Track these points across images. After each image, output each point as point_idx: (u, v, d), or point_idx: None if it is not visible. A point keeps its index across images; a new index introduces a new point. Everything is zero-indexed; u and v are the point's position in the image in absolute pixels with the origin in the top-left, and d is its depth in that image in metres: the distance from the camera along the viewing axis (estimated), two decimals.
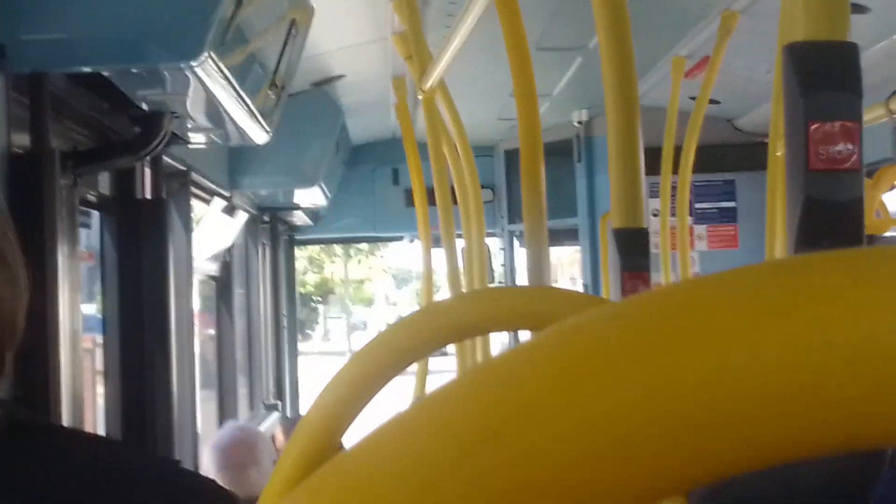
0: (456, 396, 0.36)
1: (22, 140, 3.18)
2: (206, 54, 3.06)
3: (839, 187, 1.35)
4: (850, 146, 1.35)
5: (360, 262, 44.61)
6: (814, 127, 1.34)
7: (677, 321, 0.35)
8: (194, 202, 5.56)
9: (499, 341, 9.43)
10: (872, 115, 5.08)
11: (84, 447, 1.26)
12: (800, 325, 0.33)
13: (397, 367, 1.41)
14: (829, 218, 1.35)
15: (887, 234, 5.62)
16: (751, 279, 0.36)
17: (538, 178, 3.20)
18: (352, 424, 1.44)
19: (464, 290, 5.67)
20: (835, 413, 0.33)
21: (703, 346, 0.34)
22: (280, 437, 6.23)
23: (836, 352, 0.33)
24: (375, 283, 49.21)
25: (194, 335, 5.12)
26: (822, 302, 0.33)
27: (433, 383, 7.01)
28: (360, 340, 29.29)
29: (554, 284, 13.39)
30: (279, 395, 9.02)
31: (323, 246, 31.14)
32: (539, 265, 3.22)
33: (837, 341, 0.33)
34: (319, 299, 45.85)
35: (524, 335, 5.21)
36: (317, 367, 16.88)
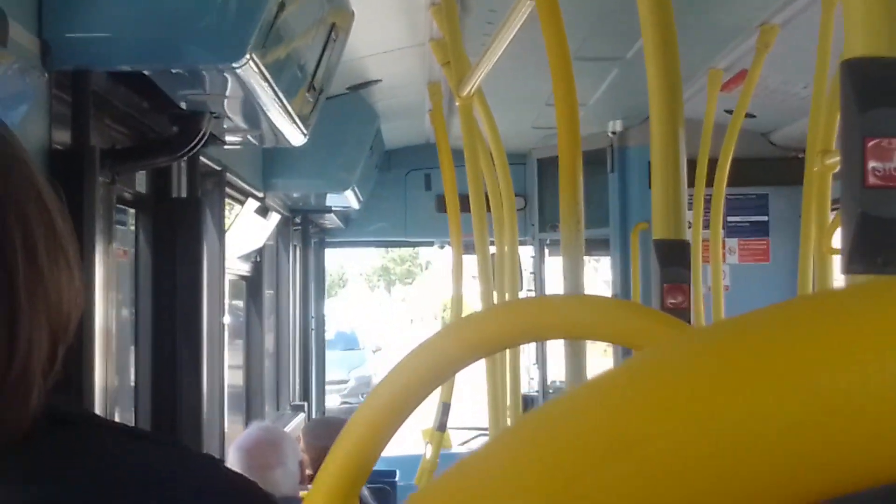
0: (582, 408, 0.36)
1: (63, 136, 3.20)
2: (248, 56, 3.07)
3: (894, 204, 1.35)
4: None
5: None
6: (870, 143, 1.34)
7: (805, 335, 0.35)
8: (228, 201, 5.57)
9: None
10: None
11: (124, 443, 1.26)
12: None
13: (437, 380, 1.41)
14: (884, 234, 1.35)
15: None
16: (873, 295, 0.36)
17: (577, 187, 3.20)
18: (392, 437, 1.44)
19: (495, 296, 5.66)
20: None
21: (833, 360, 0.34)
22: (303, 438, 6.23)
23: None
24: None
25: (225, 335, 5.13)
26: None
27: (459, 390, 7.02)
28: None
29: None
30: (305, 395, 9.04)
31: None
32: (575, 274, 3.22)
33: None
34: None
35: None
36: None
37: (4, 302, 1.09)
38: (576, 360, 3.12)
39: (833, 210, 4.91)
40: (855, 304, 0.36)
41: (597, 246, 8.78)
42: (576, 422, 0.36)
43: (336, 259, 44.10)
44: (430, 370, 1.38)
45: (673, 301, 2.39)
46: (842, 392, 0.34)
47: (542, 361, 9.42)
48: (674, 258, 2.42)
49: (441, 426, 6.73)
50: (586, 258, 10.39)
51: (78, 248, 1.20)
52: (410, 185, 9.66)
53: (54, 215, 1.17)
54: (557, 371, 9.36)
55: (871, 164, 1.33)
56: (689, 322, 2.40)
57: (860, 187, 1.34)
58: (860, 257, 1.37)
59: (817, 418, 0.34)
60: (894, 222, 1.35)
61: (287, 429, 6.71)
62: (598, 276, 8.73)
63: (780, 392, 0.34)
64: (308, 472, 4.85)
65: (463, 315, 6.25)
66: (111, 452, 1.20)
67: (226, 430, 5.09)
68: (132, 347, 4.35)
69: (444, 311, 52.43)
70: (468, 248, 5.98)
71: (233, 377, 6.71)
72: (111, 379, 3.66)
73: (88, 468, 1.17)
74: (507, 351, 5.49)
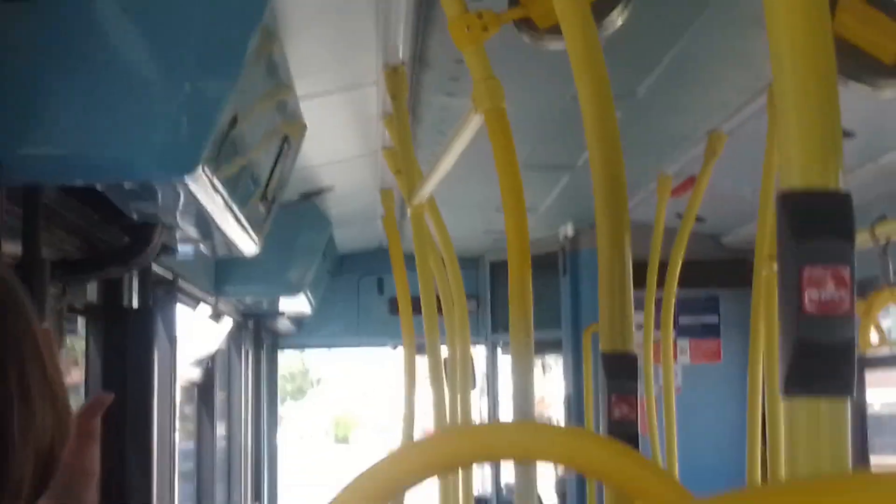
0: None
1: (14, 249, 3.20)
2: (200, 170, 3.08)
3: (831, 331, 1.38)
4: (842, 292, 1.38)
5: None
6: (807, 273, 1.37)
7: None
8: (179, 307, 5.57)
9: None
10: (858, 240, 5.12)
11: None
12: None
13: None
14: (821, 360, 1.38)
15: (883, 353, 5.66)
16: None
17: (526, 295, 3.21)
18: None
19: (447, 395, 5.66)
20: None
21: None
22: None
23: None
24: None
25: (176, 442, 5.10)
26: None
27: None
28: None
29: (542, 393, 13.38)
30: (257, 496, 8.97)
31: None
32: (525, 381, 3.22)
33: None
34: None
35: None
36: None
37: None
38: (526, 471, 3.12)
39: None
40: None
41: (550, 347, 8.81)
42: None
43: None
44: (378, 493, 1.39)
45: (620, 413, 2.41)
46: None
47: (495, 468, 9.39)
48: (621, 370, 2.44)
49: None
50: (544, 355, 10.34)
51: (65, 388, 1.27)
52: (363, 290, 9.69)
53: (46, 357, 1.24)
54: (511, 471, 9.32)
55: (808, 292, 1.36)
56: (638, 434, 2.42)
57: (797, 314, 1.37)
58: (798, 381, 1.40)
59: None
60: (830, 348, 1.38)
61: None
62: (557, 372, 8.76)
63: None
64: None
65: (412, 419, 6.26)
66: None
67: None
68: None
69: (337, 426, 51.73)
70: (421, 350, 5.98)
71: (185, 480, 6.65)
72: None
73: None
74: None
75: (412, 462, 1.42)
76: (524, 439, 1.36)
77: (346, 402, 51.79)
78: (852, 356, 1.39)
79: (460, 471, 5.61)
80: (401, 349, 7.13)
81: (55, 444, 1.25)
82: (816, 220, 1.39)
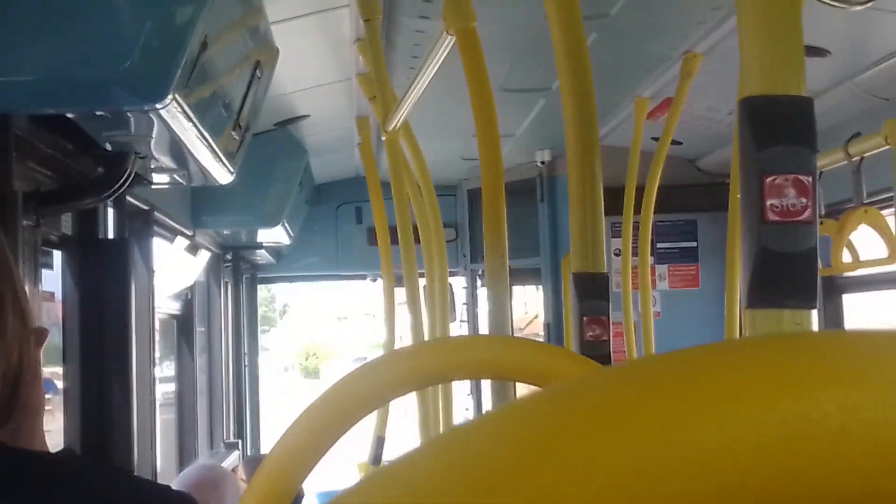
0: (416, 468, 0.38)
1: None
2: (171, 97, 3.06)
3: (793, 239, 1.38)
4: (803, 199, 1.38)
5: None
6: (768, 180, 1.37)
7: (624, 403, 0.37)
8: (157, 241, 5.56)
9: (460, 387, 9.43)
10: (831, 158, 5.14)
11: (63, 469, 1.33)
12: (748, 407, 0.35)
13: (360, 413, 1.42)
14: (783, 269, 1.38)
15: (854, 273, 5.67)
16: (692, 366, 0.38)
17: (500, 218, 3.22)
18: (313, 468, 1.45)
19: (426, 328, 5.67)
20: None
21: (646, 430, 0.35)
22: (242, 476, 6.21)
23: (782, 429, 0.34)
24: None
25: (156, 374, 5.10)
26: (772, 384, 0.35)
27: (395, 419, 7.03)
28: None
29: (524, 317, 13.38)
30: (240, 433, 9.00)
31: None
32: (500, 306, 3.23)
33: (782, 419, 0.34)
34: None
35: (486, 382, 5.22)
36: None
37: None
38: (503, 390, 3.13)
39: None
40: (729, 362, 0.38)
41: (528, 275, 8.81)
42: (438, 465, 0.37)
43: None
44: (351, 403, 1.40)
45: (592, 334, 2.42)
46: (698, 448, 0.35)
47: (476, 392, 9.42)
48: (592, 291, 2.45)
49: (376, 460, 6.72)
50: (529, 286, 10.34)
51: (33, 314, 1.37)
52: (341, 219, 9.67)
53: (16, 279, 1.34)
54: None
55: (769, 200, 1.36)
56: (610, 354, 2.43)
57: (759, 223, 1.37)
58: (761, 292, 1.40)
59: (669, 474, 0.36)
60: (793, 257, 1.38)
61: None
62: (539, 299, 8.75)
63: (635, 447, 0.36)
64: None
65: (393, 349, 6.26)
66: (50, 480, 1.27)
67: (158, 469, 5.06)
68: (60, 389, 4.32)
69: (307, 358, 51.01)
70: (399, 281, 5.99)
71: (166, 415, 6.67)
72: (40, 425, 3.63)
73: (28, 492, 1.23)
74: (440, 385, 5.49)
75: (388, 373, 1.42)
76: (500, 352, 1.36)
77: (316, 333, 51.28)
78: (814, 265, 1.40)
79: (441, 400, 5.64)
80: (380, 281, 7.15)
81: (23, 359, 1.30)
82: (777, 127, 1.39)
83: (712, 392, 0.35)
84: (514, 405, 0.40)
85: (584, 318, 2.43)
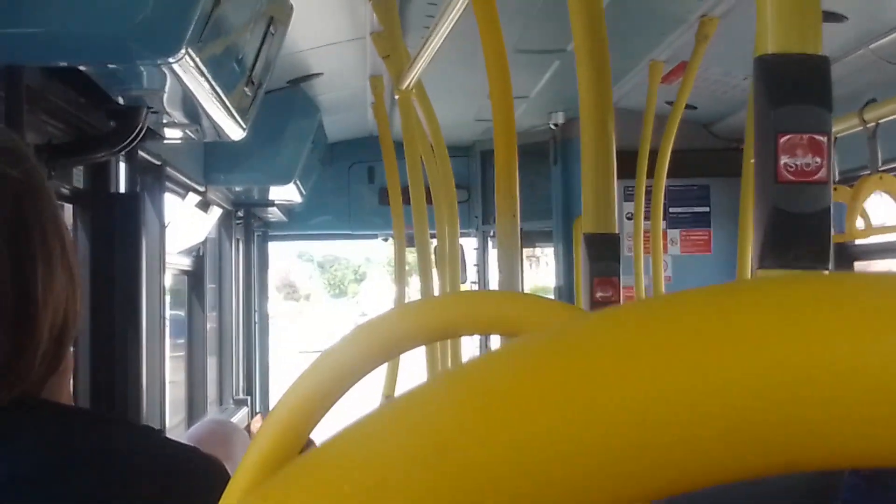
0: (414, 406, 0.37)
1: None
2: (184, 51, 3.06)
3: (806, 199, 1.37)
4: (818, 159, 1.37)
5: None
6: (783, 139, 1.35)
7: (617, 347, 0.36)
8: (168, 196, 5.55)
9: (470, 343, 9.44)
10: (847, 124, 5.11)
11: (69, 420, 1.35)
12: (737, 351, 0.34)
13: (367, 367, 1.41)
14: (796, 229, 1.37)
15: (868, 240, 5.66)
16: (688, 307, 0.37)
17: (512, 180, 3.22)
18: (320, 421, 1.45)
19: (436, 289, 5.68)
20: (777, 435, 0.34)
21: (643, 371, 0.35)
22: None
23: (778, 374, 0.34)
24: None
25: (166, 329, 5.11)
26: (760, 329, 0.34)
27: (403, 380, 7.04)
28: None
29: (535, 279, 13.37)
30: (248, 390, 9.03)
31: None
32: (511, 267, 3.23)
33: (780, 363, 0.34)
34: None
35: (495, 339, 5.22)
36: None
37: (25, 303, 1.28)
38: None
39: None
40: (718, 306, 0.37)
41: (541, 238, 8.81)
42: (404, 422, 0.37)
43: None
44: (358, 356, 1.40)
45: (603, 294, 2.42)
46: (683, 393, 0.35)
47: (484, 349, 9.44)
48: (604, 252, 2.45)
49: None
50: (542, 248, 10.32)
51: (78, 265, 1.42)
52: (354, 179, 9.66)
53: (64, 232, 1.38)
54: None
55: (783, 159, 1.35)
56: None
57: (772, 183, 1.36)
58: (772, 252, 1.39)
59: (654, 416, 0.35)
60: (806, 217, 1.37)
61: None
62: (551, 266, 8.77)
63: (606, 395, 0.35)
64: None
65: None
66: (56, 429, 1.29)
67: (167, 423, 5.08)
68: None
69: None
70: (411, 241, 5.99)
71: (175, 372, 6.69)
72: (68, 380, 3.64)
73: (33, 446, 1.27)
74: (449, 342, 5.50)
75: (395, 327, 1.42)
76: (510, 308, 1.35)
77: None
78: (827, 226, 1.39)
79: (449, 360, 5.65)
80: (392, 241, 7.16)
81: (69, 313, 1.37)
82: (792, 85, 1.37)
83: (713, 332, 0.35)
84: (511, 346, 0.39)
85: (595, 280, 2.43)
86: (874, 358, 0.33)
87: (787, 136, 1.35)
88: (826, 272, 1.47)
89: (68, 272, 1.37)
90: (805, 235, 1.38)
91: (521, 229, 3.34)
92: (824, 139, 1.38)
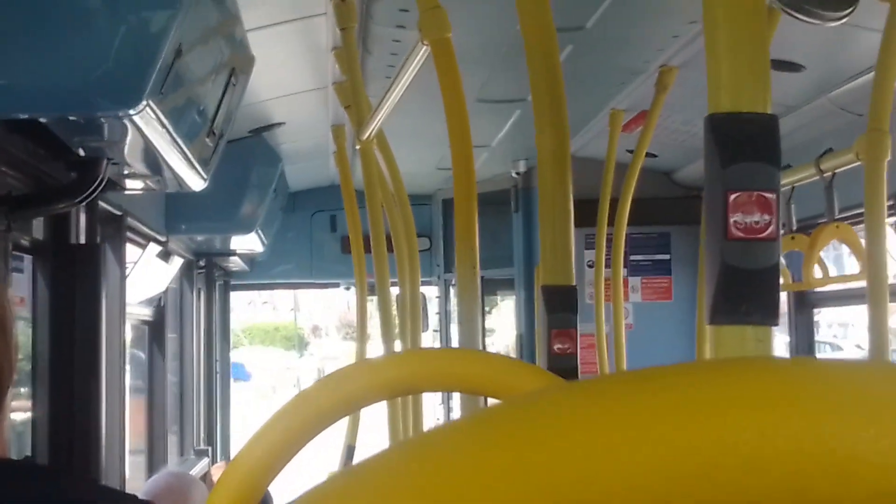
0: (381, 472, 0.38)
1: None
2: (145, 103, 3.06)
3: (755, 255, 1.39)
4: (766, 216, 1.39)
5: None
6: (732, 197, 1.38)
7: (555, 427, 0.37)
8: (129, 246, 5.54)
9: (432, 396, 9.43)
10: (804, 174, 5.16)
11: (30, 477, 1.35)
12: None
13: (327, 420, 1.42)
14: (746, 285, 1.39)
15: (824, 288, 5.69)
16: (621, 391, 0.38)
17: (472, 232, 3.22)
18: (279, 473, 1.45)
19: (397, 338, 5.67)
20: None
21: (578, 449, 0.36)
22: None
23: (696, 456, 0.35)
24: None
25: (126, 381, 5.09)
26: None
27: (365, 429, 7.01)
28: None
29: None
30: (209, 440, 8.97)
31: None
32: (471, 317, 3.23)
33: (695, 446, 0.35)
34: None
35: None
36: None
37: None
38: (472, 402, 3.13)
39: None
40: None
41: (503, 286, 8.82)
42: (378, 484, 0.38)
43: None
44: (319, 410, 1.40)
45: (560, 346, 2.43)
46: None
47: (446, 402, 9.42)
48: (561, 303, 2.46)
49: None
50: (504, 295, 10.32)
51: (14, 324, 1.44)
52: (316, 227, 9.66)
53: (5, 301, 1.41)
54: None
55: (733, 217, 1.37)
56: (577, 367, 2.44)
57: (723, 239, 1.38)
58: (724, 308, 1.41)
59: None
60: (755, 273, 1.39)
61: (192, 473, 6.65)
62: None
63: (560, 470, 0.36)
64: None
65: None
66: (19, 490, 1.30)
67: (126, 476, 5.04)
68: (29, 394, 4.30)
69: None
70: (373, 289, 5.99)
71: (136, 422, 6.65)
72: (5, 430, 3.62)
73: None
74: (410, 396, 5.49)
75: (357, 382, 1.43)
76: (469, 366, 1.37)
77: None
78: (776, 282, 1.41)
79: (410, 411, 5.64)
80: (353, 290, 7.15)
81: (4, 373, 1.39)
82: (742, 144, 1.40)
83: (630, 418, 0.36)
84: (457, 422, 0.40)
85: (552, 331, 2.44)
86: (780, 442, 0.34)
87: (737, 194, 1.37)
88: (746, 356, 1.50)
89: (3, 332, 1.40)
90: (755, 291, 1.39)
91: (483, 277, 3.35)
92: (773, 196, 1.40)
